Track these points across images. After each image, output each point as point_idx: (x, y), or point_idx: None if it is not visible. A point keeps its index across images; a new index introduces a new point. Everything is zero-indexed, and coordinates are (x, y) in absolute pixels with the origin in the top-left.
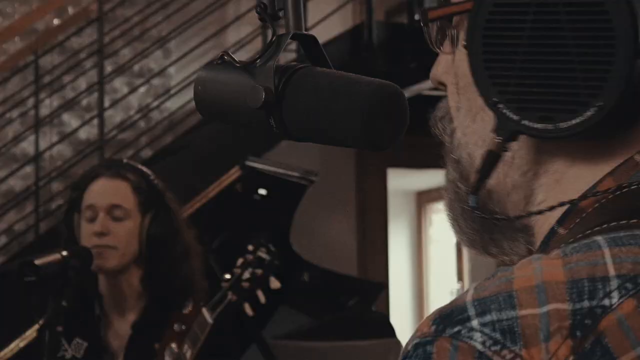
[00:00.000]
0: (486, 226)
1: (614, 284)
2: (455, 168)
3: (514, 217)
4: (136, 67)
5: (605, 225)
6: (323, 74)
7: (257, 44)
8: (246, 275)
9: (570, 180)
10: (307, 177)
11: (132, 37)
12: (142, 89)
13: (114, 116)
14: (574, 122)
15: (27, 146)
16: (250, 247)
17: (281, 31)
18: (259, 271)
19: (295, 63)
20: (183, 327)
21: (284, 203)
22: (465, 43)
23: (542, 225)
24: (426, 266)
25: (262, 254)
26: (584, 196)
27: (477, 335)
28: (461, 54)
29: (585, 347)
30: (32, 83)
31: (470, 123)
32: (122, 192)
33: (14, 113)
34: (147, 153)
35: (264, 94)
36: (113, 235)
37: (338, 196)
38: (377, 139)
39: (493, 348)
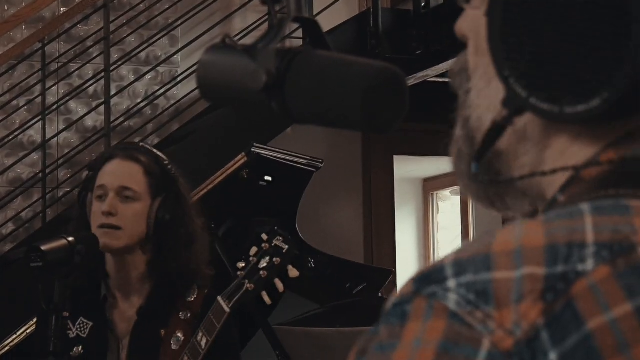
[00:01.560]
0: (485, 185)
1: (591, 250)
2: (463, 126)
3: (518, 177)
4: (143, 55)
5: (593, 194)
6: (324, 56)
7: (263, 31)
8: (263, 264)
9: (573, 153)
10: (313, 163)
11: (139, 24)
12: (148, 77)
13: (121, 104)
14: (579, 108)
15: (34, 134)
16: (264, 236)
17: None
18: (277, 260)
19: (297, 46)
20: (188, 314)
21: (290, 190)
22: (486, 10)
23: (546, 193)
24: (433, 253)
25: (279, 242)
26: (585, 165)
27: (452, 296)
28: (483, 16)
29: (555, 310)
30: (39, 71)
31: (484, 86)
32: (133, 174)
33: (21, 101)
34: (153, 140)
35: (265, 76)
36: (120, 216)
37: (345, 183)
38: (378, 121)
39: (466, 308)
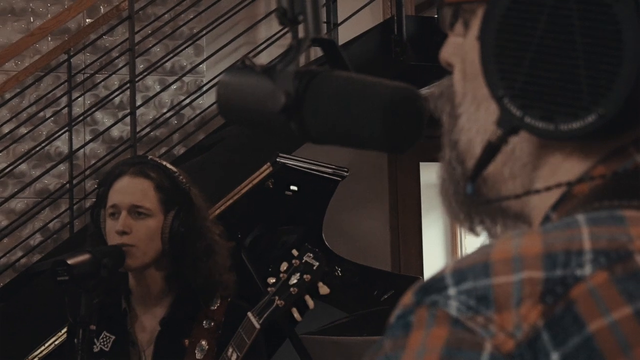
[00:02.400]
0: (476, 208)
1: (589, 256)
2: (452, 148)
3: (513, 196)
4: (168, 65)
5: (588, 206)
6: (342, 77)
7: (288, 40)
8: (293, 280)
9: (565, 171)
10: (338, 172)
11: (164, 34)
12: (174, 86)
13: (147, 114)
14: (574, 125)
15: (60, 145)
16: (295, 252)
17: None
18: (307, 276)
19: (315, 67)
20: (212, 323)
21: (315, 199)
22: (478, 33)
23: (538, 212)
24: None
25: (310, 259)
26: (577, 181)
27: (453, 303)
28: (471, 41)
29: (555, 313)
30: (65, 82)
31: (474, 110)
32: (144, 191)
33: (48, 112)
34: (179, 150)
35: (284, 98)
36: (133, 234)
37: (371, 190)
38: (396, 142)
39: (467, 314)
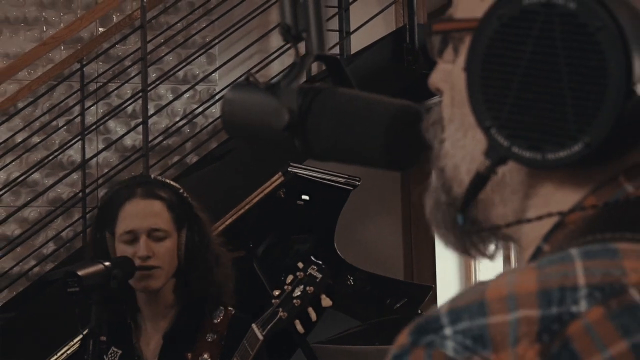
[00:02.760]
0: (468, 233)
1: (583, 292)
2: (439, 176)
3: (504, 225)
4: (180, 73)
5: (580, 240)
6: (345, 95)
7: (300, 48)
8: (297, 292)
9: (557, 201)
10: (350, 181)
11: (176, 43)
12: (186, 95)
13: (159, 122)
14: (561, 154)
15: (73, 153)
16: (300, 265)
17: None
18: (310, 289)
19: (318, 84)
20: (215, 336)
21: (327, 208)
22: (464, 64)
23: (530, 240)
24: (474, 267)
25: (314, 271)
26: (569, 211)
27: (450, 343)
28: (460, 68)
29: (552, 351)
30: (78, 91)
31: (460, 137)
32: (159, 213)
33: (60, 121)
34: (192, 159)
35: (287, 115)
36: (156, 257)
37: (383, 199)
38: (398, 160)
39: (464, 354)
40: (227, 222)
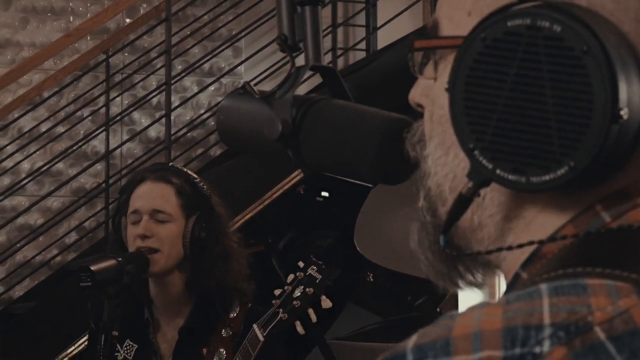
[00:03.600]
0: (451, 259)
1: (547, 332)
2: (425, 197)
3: (485, 251)
4: (206, 66)
5: (552, 273)
6: (339, 107)
7: (326, 43)
8: (297, 293)
9: (539, 225)
10: None
11: (203, 36)
12: (211, 88)
13: (184, 114)
14: (545, 178)
15: (97, 144)
16: (300, 264)
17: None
18: (309, 290)
19: (313, 95)
20: (230, 332)
21: (346, 204)
22: (447, 84)
23: (510, 266)
24: None
25: (313, 272)
26: (546, 241)
27: None
28: (441, 85)
29: None
30: (103, 82)
31: (442, 154)
32: (165, 196)
33: (85, 111)
34: (216, 151)
35: (280, 126)
36: (156, 238)
37: (405, 195)
38: (390, 174)
39: None
40: (246, 217)
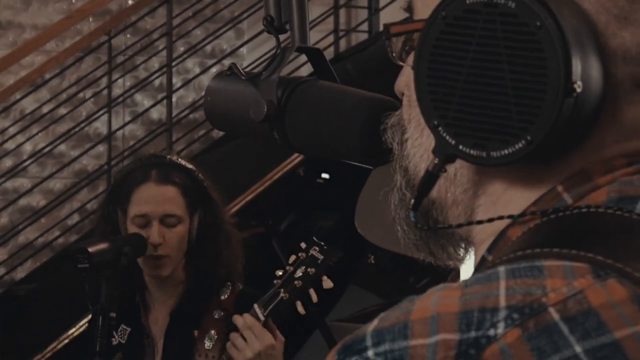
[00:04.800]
0: (430, 233)
1: (502, 314)
2: (402, 175)
3: (455, 225)
4: (208, 48)
5: (512, 255)
6: (323, 88)
7: (329, 24)
8: (298, 273)
9: (504, 203)
10: None
11: (205, 17)
12: (213, 69)
13: (186, 96)
14: (504, 152)
15: (99, 126)
16: (302, 245)
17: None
18: (311, 270)
19: (299, 76)
20: (222, 313)
21: (347, 186)
22: (412, 62)
23: (478, 250)
24: None
25: (315, 253)
26: (508, 225)
27: None
28: None
29: None
30: (105, 63)
31: (418, 136)
32: (173, 199)
33: (87, 93)
34: (218, 133)
35: (266, 107)
36: (166, 243)
37: None
38: (373, 154)
39: None
40: (246, 199)
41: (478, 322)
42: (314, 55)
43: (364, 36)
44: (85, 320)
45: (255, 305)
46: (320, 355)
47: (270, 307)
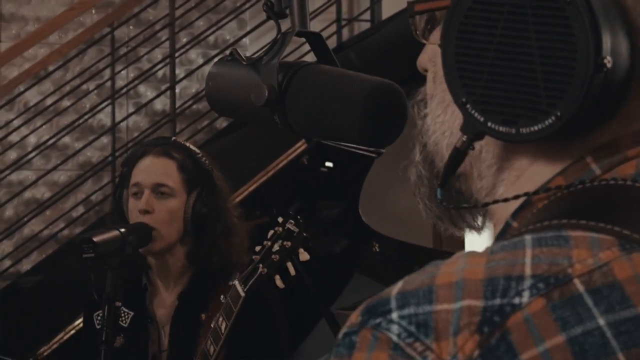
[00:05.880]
0: (454, 209)
1: (528, 283)
2: (421, 151)
3: (473, 205)
4: (211, 38)
5: (538, 224)
6: (324, 72)
7: (331, 14)
8: (275, 247)
9: (528, 177)
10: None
11: (207, 8)
12: (217, 60)
13: (189, 87)
14: (534, 128)
15: (103, 117)
16: (279, 219)
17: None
18: (287, 243)
19: (300, 61)
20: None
21: (351, 175)
22: (440, 40)
23: (500, 217)
24: None
25: (291, 226)
26: (535, 192)
27: (395, 327)
28: None
29: (490, 343)
30: (108, 55)
31: (441, 113)
32: (167, 171)
33: (91, 85)
34: (222, 123)
35: (267, 92)
36: (156, 214)
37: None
38: (376, 136)
39: (407, 340)
40: (250, 189)
41: (503, 289)
42: (314, 39)
43: (366, 25)
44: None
45: (236, 282)
46: (326, 344)
47: (250, 282)
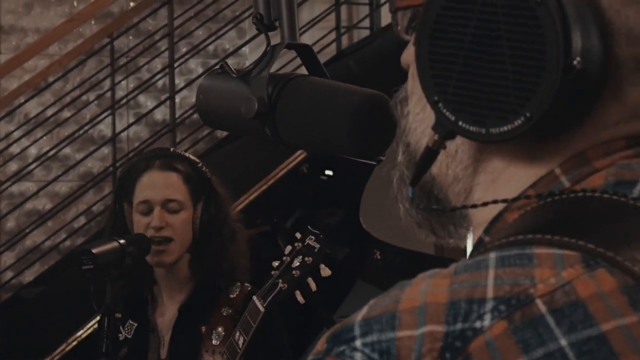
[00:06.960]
0: (427, 212)
1: (489, 306)
2: (404, 151)
3: (450, 209)
4: (210, 48)
5: (504, 240)
6: (313, 84)
7: (330, 22)
8: (296, 263)
9: (504, 181)
10: None
11: (206, 17)
12: None
13: (189, 97)
14: (504, 128)
15: (104, 128)
16: (298, 235)
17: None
18: (308, 259)
19: (289, 73)
20: (230, 310)
21: (351, 182)
22: (414, 39)
23: (477, 224)
24: None
25: (312, 242)
26: (505, 209)
27: (358, 355)
28: None
29: None
30: (108, 65)
31: (420, 111)
32: (174, 185)
33: (91, 95)
34: (222, 133)
35: (256, 104)
36: (169, 228)
37: None
38: (365, 148)
39: None
40: (251, 197)
41: (465, 313)
42: (304, 51)
43: (365, 33)
44: (94, 321)
45: (255, 297)
46: None
47: (270, 297)
